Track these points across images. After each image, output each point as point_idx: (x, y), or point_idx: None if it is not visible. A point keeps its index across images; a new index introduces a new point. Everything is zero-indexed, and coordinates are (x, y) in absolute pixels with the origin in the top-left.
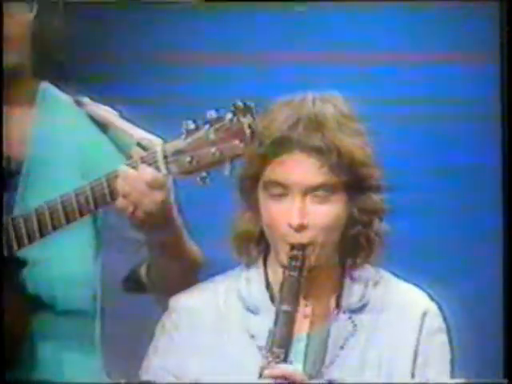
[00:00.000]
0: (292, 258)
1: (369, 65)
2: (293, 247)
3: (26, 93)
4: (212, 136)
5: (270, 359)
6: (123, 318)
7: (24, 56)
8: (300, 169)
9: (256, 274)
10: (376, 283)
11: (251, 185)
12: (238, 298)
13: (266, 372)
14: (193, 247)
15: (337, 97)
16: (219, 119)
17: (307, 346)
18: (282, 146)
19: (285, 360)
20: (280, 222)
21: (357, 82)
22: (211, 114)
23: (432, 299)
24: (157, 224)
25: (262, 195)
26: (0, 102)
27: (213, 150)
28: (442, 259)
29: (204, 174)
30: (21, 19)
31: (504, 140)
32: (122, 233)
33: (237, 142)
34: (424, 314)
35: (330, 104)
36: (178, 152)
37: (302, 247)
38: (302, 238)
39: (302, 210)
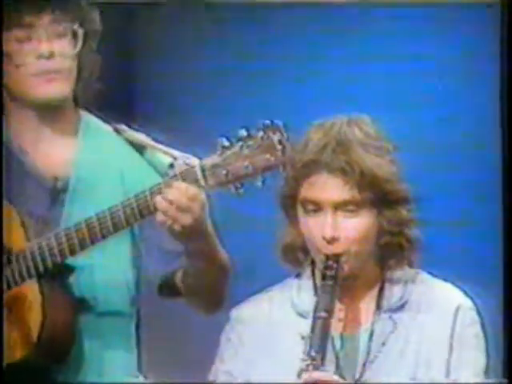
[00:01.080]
0: (326, 267)
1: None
2: (327, 258)
3: (69, 121)
4: (245, 151)
5: (308, 363)
6: (158, 320)
7: (70, 88)
8: (328, 187)
9: (306, 282)
10: (414, 283)
11: (291, 203)
12: (291, 306)
13: (304, 376)
14: (223, 254)
15: (364, 119)
16: (250, 136)
17: (341, 346)
18: (311, 167)
19: (321, 363)
20: (315, 235)
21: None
22: (242, 133)
23: (466, 295)
24: (193, 235)
25: (300, 211)
26: (0, 107)
27: (246, 163)
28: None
29: (238, 185)
30: (65, 55)
31: None
32: (159, 242)
33: (268, 156)
34: (457, 309)
35: (356, 127)
36: (215, 166)
37: (336, 258)
38: (336, 249)
39: (334, 224)
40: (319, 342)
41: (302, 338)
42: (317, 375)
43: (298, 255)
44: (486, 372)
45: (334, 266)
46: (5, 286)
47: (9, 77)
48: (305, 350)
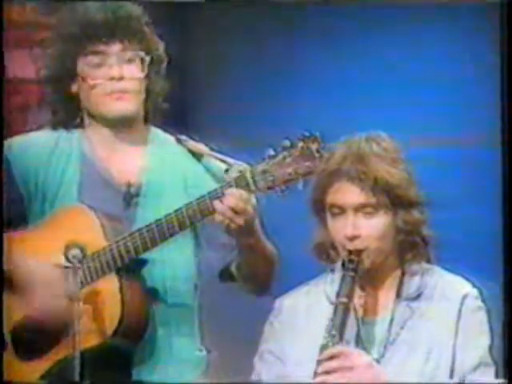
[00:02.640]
0: (349, 261)
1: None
2: (350, 253)
3: (139, 134)
4: (288, 160)
5: (329, 339)
6: (217, 308)
7: (138, 106)
8: (348, 193)
9: (337, 276)
10: (428, 276)
11: (320, 207)
12: (325, 297)
13: (327, 351)
14: (270, 247)
15: (381, 135)
16: (293, 146)
17: (361, 329)
18: (334, 176)
19: (340, 340)
20: (340, 234)
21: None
22: (286, 143)
23: (474, 286)
24: (245, 232)
25: (328, 214)
26: (0, 107)
27: (289, 170)
28: None
29: (283, 188)
30: (134, 78)
31: None
32: (218, 238)
33: (308, 163)
34: (464, 297)
35: (373, 142)
36: (263, 172)
37: (357, 253)
38: (357, 245)
39: (354, 224)
40: (339, 323)
41: (330, 321)
42: (336, 350)
43: (329, 253)
44: (490, 352)
45: (355, 259)
46: (83, 280)
47: (85, 97)
48: (327, 329)
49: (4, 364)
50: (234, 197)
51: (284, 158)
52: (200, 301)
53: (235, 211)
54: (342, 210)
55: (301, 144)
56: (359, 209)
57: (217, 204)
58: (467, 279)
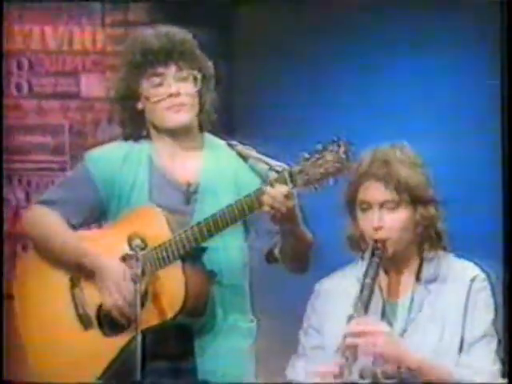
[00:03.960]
0: (375, 248)
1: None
2: (375, 241)
3: (196, 141)
4: (320, 161)
5: (355, 311)
6: (265, 286)
7: (193, 117)
8: (375, 191)
9: (366, 262)
10: (443, 261)
11: (352, 204)
12: (356, 281)
13: (354, 320)
14: (308, 234)
15: (404, 144)
16: (324, 150)
17: (385, 308)
18: (364, 177)
19: (365, 313)
20: (367, 225)
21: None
22: (318, 147)
23: (482, 270)
24: (286, 221)
25: (358, 210)
26: (0, 105)
27: (321, 170)
28: None
29: (316, 185)
30: (188, 93)
31: None
32: (264, 226)
33: (336, 164)
34: (473, 279)
35: (397, 149)
36: (300, 172)
37: (382, 242)
38: (381, 235)
39: (379, 217)
40: (365, 299)
41: (355, 309)
42: (361, 318)
43: (359, 243)
44: (493, 326)
45: (380, 247)
46: (152, 267)
47: (149, 112)
48: (354, 303)
49: (4, 364)
50: (278, 191)
51: (317, 159)
52: (250, 280)
53: (279, 203)
54: (370, 206)
55: (330, 148)
56: (384, 204)
57: (265, 198)
58: (476, 264)
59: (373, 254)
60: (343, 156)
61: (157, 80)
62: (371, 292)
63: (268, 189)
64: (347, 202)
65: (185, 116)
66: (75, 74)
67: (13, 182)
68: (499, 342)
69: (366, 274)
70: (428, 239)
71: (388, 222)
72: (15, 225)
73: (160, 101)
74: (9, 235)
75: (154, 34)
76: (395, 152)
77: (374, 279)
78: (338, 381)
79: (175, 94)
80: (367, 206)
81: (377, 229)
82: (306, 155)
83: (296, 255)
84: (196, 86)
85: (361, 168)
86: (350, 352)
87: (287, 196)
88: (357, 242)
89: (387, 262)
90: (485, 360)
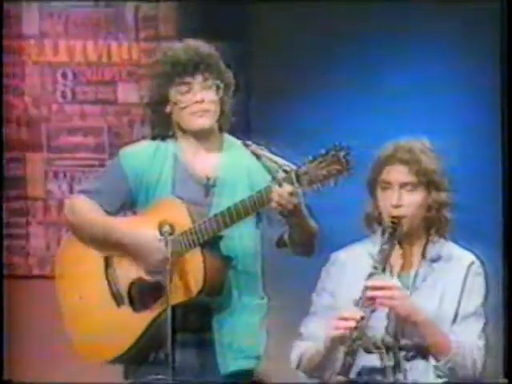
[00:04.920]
0: (393, 222)
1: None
2: (393, 217)
3: (216, 141)
4: (323, 164)
5: (373, 270)
6: (275, 268)
7: (215, 121)
8: (397, 173)
9: (377, 240)
10: (445, 246)
11: (374, 183)
12: (367, 253)
13: (374, 277)
14: (312, 223)
15: (423, 139)
16: (326, 154)
17: (399, 277)
18: (390, 160)
19: (383, 272)
20: (387, 203)
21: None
22: (321, 151)
23: (478, 258)
24: (293, 215)
25: (378, 189)
26: (0, 102)
27: (324, 172)
28: None
29: (319, 185)
30: (211, 100)
31: None
32: (274, 217)
33: (337, 166)
34: (470, 264)
35: (418, 142)
36: (305, 173)
37: (399, 218)
38: (399, 212)
39: (399, 196)
40: (382, 261)
41: (375, 267)
42: (380, 277)
43: (373, 221)
44: (484, 304)
45: (396, 222)
46: (175, 252)
47: (176, 115)
48: (373, 265)
49: (4, 364)
50: (284, 190)
51: (320, 162)
52: (262, 264)
53: (285, 200)
54: (391, 186)
55: (332, 152)
56: (403, 185)
57: (274, 195)
58: (473, 253)
59: (390, 228)
60: (343, 160)
61: (184, 88)
62: (389, 255)
63: (276, 187)
64: (369, 182)
65: (207, 120)
66: (113, 82)
67: (58, 177)
68: (486, 322)
69: (385, 242)
70: (436, 223)
71: (406, 201)
72: (59, 214)
73: (187, 106)
74: (54, 223)
75: (183, 47)
76: (417, 143)
77: (391, 246)
78: (354, 333)
79: (200, 101)
80: (388, 186)
81: (396, 206)
82: (311, 158)
83: (302, 242)
84: (218, 94)
85: (385, 153)
86: (368, 303)
87: (293, 194)
88: (372, 220)
89: (401, 236)
90: (473, 333)
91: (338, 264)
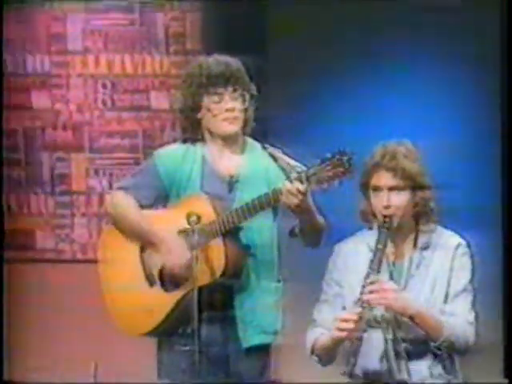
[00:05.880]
0: (384, 221)
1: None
2: (384, 216)
3: (239, 144)
4: (328, 167)
5: (370, 271)
6: (289, 256)
7: (240, 126)
8: (385, 179)
9: (374, 233)
10: (434, 233)
11: (366, 187)
12: (366, 244)
13: (369, 279)
14: (320, 220)
15: (407, 142)
16: (332, 158)
17: (393, 268)
18: (376, 167)
19: (378, 272)
20: (378, 204)
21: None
22: (327, 155)
23: (464, 239)
24: (302, 210)
25: (370, 191)
26: (0, 104)
27: (330, 173)
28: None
29: (325, 185)
30: (238, 109)
31: None
32: (286, 212)
33: (341, 169)
34: (457, 246)
35: (402, 146)
36: (313, 174)
37: (390, 217)
38: (389, 211)
39: (388, 198)
40: (377, 261)
41: (371, 268)
42: (375, 278)
43: (369, 217)
44: (471, 283)
45: (388, 220)
46: (201, 240)
47: (208, 121)
48: (369, 265)
49: (4, 364)
50: (295, 188)
51: (326, 165)
52: (278, 251)
53: (295, 197)
54: (380, 189)
55: (337, 157)
56: (391, 189)
57: (285, 193)
58: (459, 235)
59: (382, 227)
60: (346, 164)
61: (216, 98)
62: (382, 255)
63: (288, 185)
64: (362, 184)
65: (235, 127)
66: (146, 91)
67: (99, 174)
68: (474, 297)
69: (377, 242)
70: (424, 215)
71: (394, 202)
72: (100, 207)
73: (218, 114)
74: (95, 214)
75: (216, 62)
76: (401, 148)
77: (384, 246)
78: (357, 325)
79: (231, 110)
80: (378, 190)
81: (386, 207)
82: (319, 161)
83: (310, 234)
84: (245, 104)
85: (373, 159)
86: (365, 304)
87: (302, 192)
88: (367, 215)
89: (393, 232)
90: (463, 309)
91: (341, 255)
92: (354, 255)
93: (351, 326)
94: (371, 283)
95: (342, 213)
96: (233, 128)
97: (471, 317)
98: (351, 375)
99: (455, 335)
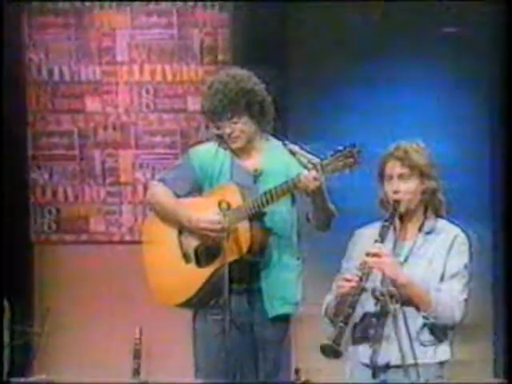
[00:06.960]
0: (394, 206)
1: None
2: (394, 201)
3: (262, 142)
4: (340, 158)
5: (375, 243)
6: (306, 237)
7: (244, 141)
8: (395, 167)
9: (389, 220)
10: (437, 221)
11: (381, 176)
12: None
13: (372, 246)
14: (332, 207)
15: (418, 141)
16: (343, 150)
17: (396, 245)
18: (390, 158)
19: (381, 242)
20: (389, 190)
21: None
22: (339, 148)
23: (463, 231)
24: (316, 195)
25: (385, 180)
26: (0, 102)
27: (341, 163)
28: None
29: (337, 174)
30: (241, 129)
31: None
32: (305, 199)
33: (351, 160)
34: (456, 236)
35: (414, 143)
36: (327, 165)
37: (398, 200)
38: (397, 196)
39: (397, 185)
40: (383, 235)
41: (376, 240)
42: (378, 245)
43: (385, 204)
44: (466, 269)
45: (396, 205)
46: (230, 223)
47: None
48: (375, 238)
49: (4, 364)
50: (311, 176)
51: (338, 157)
52: (297, 232)
53: (311, 183)
54: (391, 177)
55: (348, 149)
56: (400, 176)
57: (303, 180)
58: (459, 226)
59: (391, 209)
60: (356, 155)
61: (215, 130)
62: (387, 230)
63: (306, 173)
64: (379, 175)
65: (238, 144)
66: (184, 96)
67: (143, 167)
68: (468, 281)
69: (386, 220)
70: (431, 205)
71: (402, 188)
72: (144, 196)
73: (223, 135)
74: (140, 202)
75: (214, 92)
76: (412, 145)
77: (390, 223)
78: (358, 285)
79: (230, 133)
80: (390, 178)
81: (395, 192)
82: (332, 153)
83: (322, 219)
84: (245, 124)
85: (387, 153)
86: (364, 266)
87: (316, 179)
88: (384, 203)
89: (402, 215)
90: (457, 289)
91: (361, 238)
92: (369, 239)
93: (352, 284)
94: (373, 249)
95: (363, 200)
96: (236, 145)
97: (461, 297)
98: (346, 323)
99: (442, 309)
